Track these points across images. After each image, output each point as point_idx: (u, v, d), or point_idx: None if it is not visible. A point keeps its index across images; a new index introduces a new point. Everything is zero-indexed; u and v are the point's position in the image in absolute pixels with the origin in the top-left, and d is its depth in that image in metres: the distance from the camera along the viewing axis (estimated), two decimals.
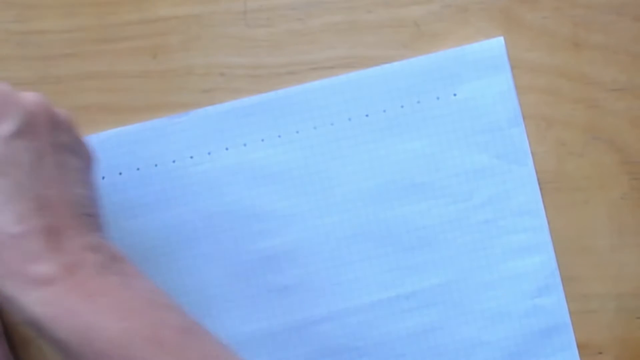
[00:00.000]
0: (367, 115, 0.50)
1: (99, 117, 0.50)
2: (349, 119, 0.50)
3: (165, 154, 0.50)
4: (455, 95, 0.49)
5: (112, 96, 0.50)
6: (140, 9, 0.50)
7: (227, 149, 0.50)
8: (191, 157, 0.50)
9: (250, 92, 0.50)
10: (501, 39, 0.49)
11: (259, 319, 0.49)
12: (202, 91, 0.50)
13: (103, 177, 0.50)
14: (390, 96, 0.49)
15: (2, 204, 0.34)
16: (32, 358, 0.49)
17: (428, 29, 0.50)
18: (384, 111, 0.50)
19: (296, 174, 0.49)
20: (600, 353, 0.50)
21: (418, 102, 0.49)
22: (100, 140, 0.50)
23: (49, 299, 0.34)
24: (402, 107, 0.50)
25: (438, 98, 0.49)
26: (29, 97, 0.37)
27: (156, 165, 0.50)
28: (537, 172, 0.50)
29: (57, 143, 0.38)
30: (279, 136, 0.50)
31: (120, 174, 0.50)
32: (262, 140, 0.50)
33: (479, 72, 0.49)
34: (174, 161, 0.50)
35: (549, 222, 0.49)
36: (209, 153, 0.50)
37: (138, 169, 0.50)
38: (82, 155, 0.40)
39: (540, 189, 0.49)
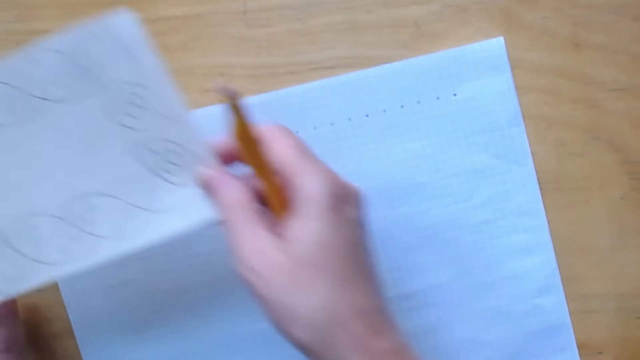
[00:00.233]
0: (367, 115, 0.50)
1: None
2: (349, 119, 0.50)
3: None
4: (455, 95, 0.49)
5: None
6: (140, 9, 0.50)
7: None
8: None
9: (250, 92, 0.50)
10: (501, 39, 0.49)
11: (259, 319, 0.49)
12: (202, 91, 0.50)
13: None
14: (390, 96, 0.49)
15: (357, 282, 0.38)
16: None
17: (428, 29, 0.50)
18: (384, 111, 0.50)
19: None
20: (600, 353, 0.50)
21: (418, 102, 0.49)
22: None
23: None
24: (402, 107, 0.50)
25: (438, 98, 0.49)
26: (354, 186, 0.41)
27: None
28: (537, 172, 0.50)
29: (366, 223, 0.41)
30: None
31: None
32: None
33: (479, 72, 0.49)
34: None
35: (549, 222, 0.49)
36: None
37: None
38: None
39: (540, 189, 0.49)
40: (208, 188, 0.41)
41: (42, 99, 0.41)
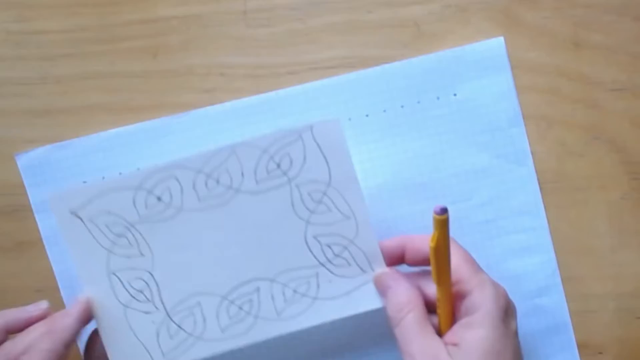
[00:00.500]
0: (367, 115, 0.50)
1: (99, 117, 0.50)
2: (349, 119, 0.50)
3: (165, 154, 0.50)
4: (455, 95, 0.49)
5: (112, 96, 0.50)
6: (140, 9, 0.50)
7: None
8: None
9: (251, 92, 0.50)
10: (501, 39, 0.49)
11: None
12: (202, 91, 0.50)
13: (103, 177, 0.50)
14: (390, 96, 0.49)
15: None
16: None
17: (428, 29, 0.50)
18: (384, 111, 0.50)
19: None
20: (600, 353, 0.50)
21: (418, 102, 0.49)
22: (100, 140, 0.50)
23: None
24: (402, 107, 0.50)
25: (438, 98, 0.49)
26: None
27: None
28: (537, 172, 0.50)
29: None
30: None
31: (120, 174, 0.50)
32: None
33: (479, 72, 0.49)
34: None
35: (548, 222, 0.49)
36: None
37: (138, 169, 0.50)
38: None
39: (540, 189, 0.49)
40: (382, 285, 0.44)
41: (232, 188, 0.45)
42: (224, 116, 0.50)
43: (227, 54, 0.50)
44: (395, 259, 0.45)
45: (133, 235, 0.45)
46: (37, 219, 0.50)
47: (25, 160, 0.50)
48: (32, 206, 0.50)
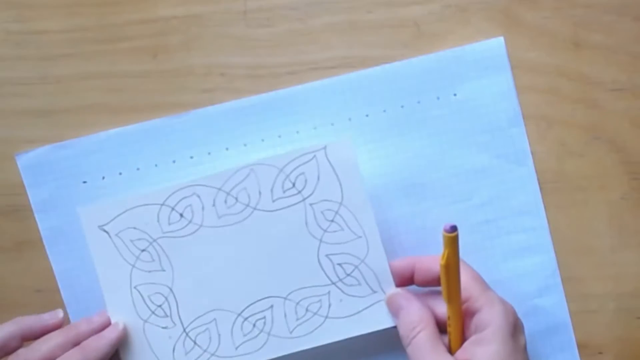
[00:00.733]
0: (367, 115, 0.50)
1: (99, 117, 0.50)
2: (349, 119, 0.50)
3: (166, 154, 0.50)
4: (455, 95, 0.49)
5: (112, 96, 0.50)
6: (140, 9, 0.50)
7: (227, 149, 0.50)
8: (191, 157, 0.50)
9: (251, 92, 0.50)
10: (501, 38, 0.49)
11: None
12: (202, 91, 0.50)
13: (103, 177, 0.50)
14: (391, 96, 0.49)
15: None
16: None
17: (428, 29, 0.50)
18: (384, 111, 0.50)
19: None
20: (601, 353, 0.50)
21: (418, 102, 0.49)
22: (100, 140, 0.50)
23: None
24: (402, 107, 0.49)
25: (438, 98, 0.49)
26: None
27: (156, 165, 0.50)
28: (537, 172, 0.49)
29: None
30: (279, 136, 0.50)
31: (120, 174, 0.50)
32: (263, 140, 0.50)
33: (479, 72, 0.49)
34: (174, 161, 0.50)
35: (548, 222, 0.49)
36: (209, 153, 0.50)
37: (138, 169, 0.50)
38: None
39: (540, 189, 0.49)
40: (394, 305, 0.46)
41: (250, 206, 0.46)
42: (224, 116, 0.50)
43: (227, 54, 0.50)
44: (405, 280, 0.47)
45: (155, 250, 0.47)
46: (37, 219, 0.50)
47: (25, 161, 0.50)
48: (33, 206, 0.50)
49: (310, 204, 0.46)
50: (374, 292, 0.46)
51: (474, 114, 0.49)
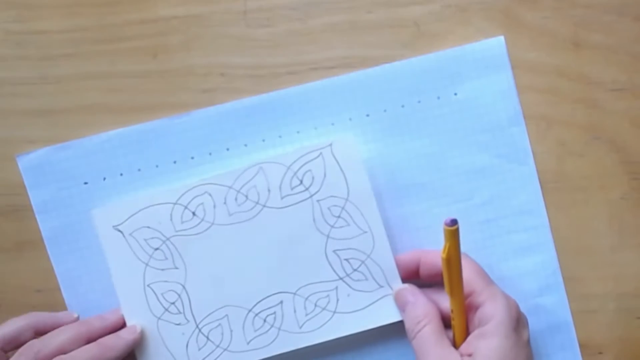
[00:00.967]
0: (367, 115, 0.50)
1: (99, 117, 0.50)
2: (350, 119, 0.50)
3: (166, 155, 0.50)
4: (455, 94, 0.49)
5: (112, 96, 0.50)
6: (140, 9, 0.50)
7: (228, 149, 0.50)
8: (192, 158, 0.50)
9: (251, 92, 0.50)
10: (501, 38, 0.49)
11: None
12: (202, 91, 0.50)
13: (104, 178, 0.50)
14: (391, 96, 0.49)
15: None
16: None
17: (428, 29, 0.50)
18: (385, 111, 0.50)
19: None
20: (601, 353, 0.50)
21: (418, 101, 0.49)
22: (101, 140, 0.50)
23: None
24: (402, 106, 0.50)
25: (438, 98, 0.49)
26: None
27: (157, 166, 0.50)
28: (537, 172, 0.50)
29: None
30: (280, 136, 0.50)
31: (121, 174, 0.50)
32: (263, 140, 0.50)
33: (480, 72, 0.49)
34: (175, 162, 0.50)
35: (549, 222, 0.49)
36: (210, 154, 0.50)
37: (139, 170, 0.50)
38: None
39: (541, 189, 0.49)
40: (401, 300, 0.46)
41: (259, 203, 0.47)
42: (224, 116, 0.50)
43: (227, 54, 0.50)
44: (410, 273, 0.47)
45: (168, 249, 0.47)
46: (38, 220, 0.50)
47: (26, 162, 0.50)
48: (34, 207, 0.50)
49: (318, 200, 0.47)
50: (381, 286, 0.47)
51: (475, 113, 0.49)
